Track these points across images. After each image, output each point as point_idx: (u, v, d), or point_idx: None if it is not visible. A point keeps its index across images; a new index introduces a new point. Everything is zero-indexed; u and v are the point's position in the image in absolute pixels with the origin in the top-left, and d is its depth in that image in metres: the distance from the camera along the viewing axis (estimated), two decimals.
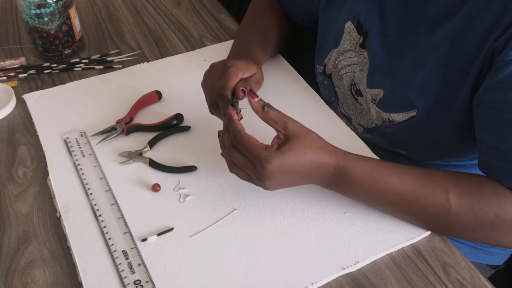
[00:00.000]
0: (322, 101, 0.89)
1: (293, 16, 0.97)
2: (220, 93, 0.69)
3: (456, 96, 0.70)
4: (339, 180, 0.66)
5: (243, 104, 0.68)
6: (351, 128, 0.84)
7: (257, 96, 0.65)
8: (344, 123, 0.85)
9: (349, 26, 0.83)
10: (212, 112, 0.76)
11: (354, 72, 0.83)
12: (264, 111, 0.63)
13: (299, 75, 0.95)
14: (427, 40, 0.72)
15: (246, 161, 0.63)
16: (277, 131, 0.64)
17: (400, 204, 0.66)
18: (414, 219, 0.68)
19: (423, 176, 0.66)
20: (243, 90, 0.68)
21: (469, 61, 0.67)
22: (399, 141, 0.82)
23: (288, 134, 0.63)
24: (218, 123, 0.82)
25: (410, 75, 0.75)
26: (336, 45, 0.86)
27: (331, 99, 0.92)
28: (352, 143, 0.81)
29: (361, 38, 0.81)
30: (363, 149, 0.80)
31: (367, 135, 0.86)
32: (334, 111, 0.88)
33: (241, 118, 0.69)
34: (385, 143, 0.85)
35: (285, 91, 0.92)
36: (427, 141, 0.79)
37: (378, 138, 0.85)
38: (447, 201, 0.64)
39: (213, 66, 0.76)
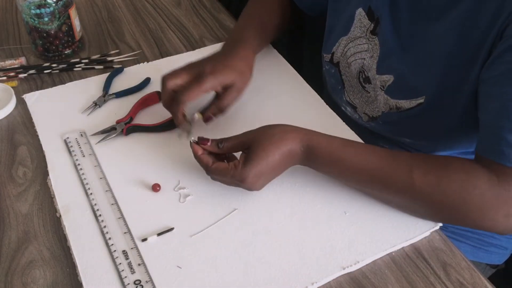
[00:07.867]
0: (322, 101, 0.89)
1: (300, 3, 0.96)
2: (181, 100, 0.74)
3: (464, 82, 0.71)
4: (309, 158, 0.69)
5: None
6: (355, 117, 0.85)
7: (208, 140, 0.70)
8: (343, 122, 0.85)
9: (359, 12, 0.83)
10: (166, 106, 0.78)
11: (364, 59, 0.84)
12: (220, 148, 0.69)
13: (298, 74, 0.95)
14: (436, 26, 0.72)
15: (227, 180, 0.69)
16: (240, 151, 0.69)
17: (365, 180, 0.69)
18: (381, 196, 0.69)
19: (389, 156, 0.68)
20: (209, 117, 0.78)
21: (477, 47, 0.67)
22: (404, 128, 0.83)
23: (247, 146, 0.68)
24: (218, 125, 0.82)
25: (419, 61, 0.75)
26: (345, 32, 0.86)
27: (337, 88, 0.92)
28: None
29: (372, 25, 0.81)
30: None
31: (372, 123, 0.87)
32: (340, 100, 0.89)
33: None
34: (390, 131, 0.86)
35: (282, 90, 0.91)
36: (433, 129, 0.79)
37: (382, 127, 0.85)
38: (411, 178, 0.65)
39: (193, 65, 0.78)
